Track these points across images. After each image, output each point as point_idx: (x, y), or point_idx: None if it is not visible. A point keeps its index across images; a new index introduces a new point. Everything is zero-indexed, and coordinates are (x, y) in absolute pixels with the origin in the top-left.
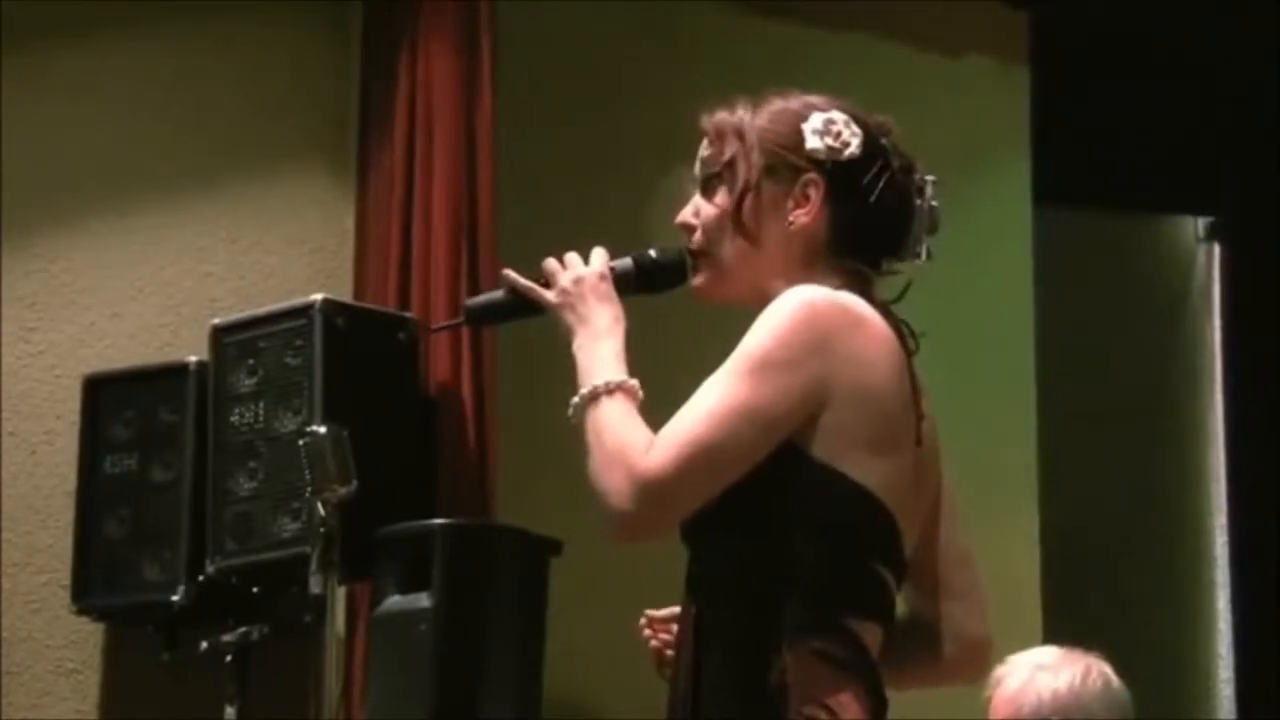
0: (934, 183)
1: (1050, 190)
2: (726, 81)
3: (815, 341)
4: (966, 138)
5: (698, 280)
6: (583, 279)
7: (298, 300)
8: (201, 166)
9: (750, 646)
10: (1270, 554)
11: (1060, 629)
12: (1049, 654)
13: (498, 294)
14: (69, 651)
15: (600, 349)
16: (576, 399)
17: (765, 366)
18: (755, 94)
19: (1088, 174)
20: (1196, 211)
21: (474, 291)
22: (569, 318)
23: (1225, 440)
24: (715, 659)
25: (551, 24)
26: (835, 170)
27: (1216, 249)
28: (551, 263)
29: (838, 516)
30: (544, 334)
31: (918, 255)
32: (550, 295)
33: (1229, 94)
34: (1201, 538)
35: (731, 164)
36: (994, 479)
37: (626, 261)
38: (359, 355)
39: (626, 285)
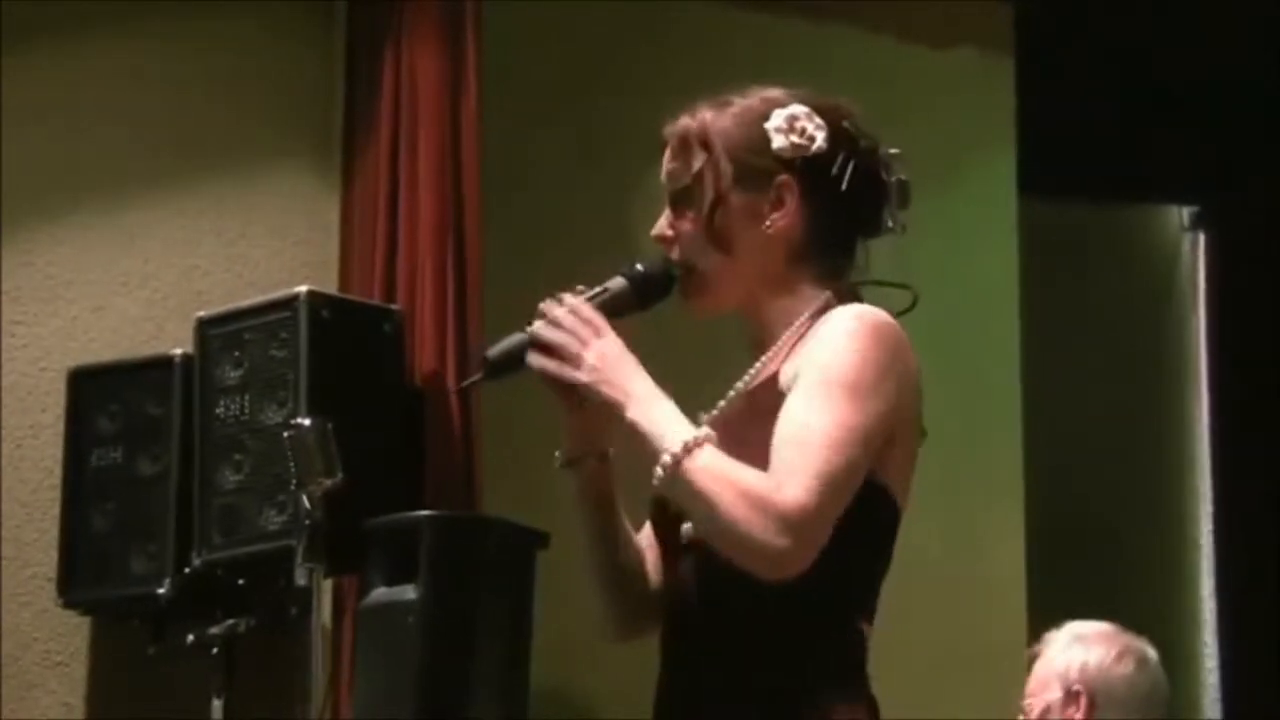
0: (898, 155)
1: (1035, 181)
2: (712, 76)
3: (889, 363)
4: (952, 130)
5: (691, 300)
6: (605, 353)
7: (283, 293)
8: (186, 160)
9: (768, 648)
10: (1255, 542)
11: (1045, 618)
12: (1095, 628)
13: (519, 337)
14: (56, 645)
15: (659, 412)
16: (662, 467)
17: (859, 389)
18: (742, 89)
19: (1073, 165)
20: (1181, 201)
21: (460, 284)
22: (607, 394)
23: (1210, 428)
24: (725, 660)
25: (536, 19)
26: (805, 167)
27: (1201, 238)
28: (566, 340)
29: (876, 529)
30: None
31: (891, 230)
32: (581, 376)
33: (1213, 84)
34: (1187, 525)
35: (700, 176)
36: (980, 469)
37: (619, 281)
38: (344, 347)
39: (625, 305)
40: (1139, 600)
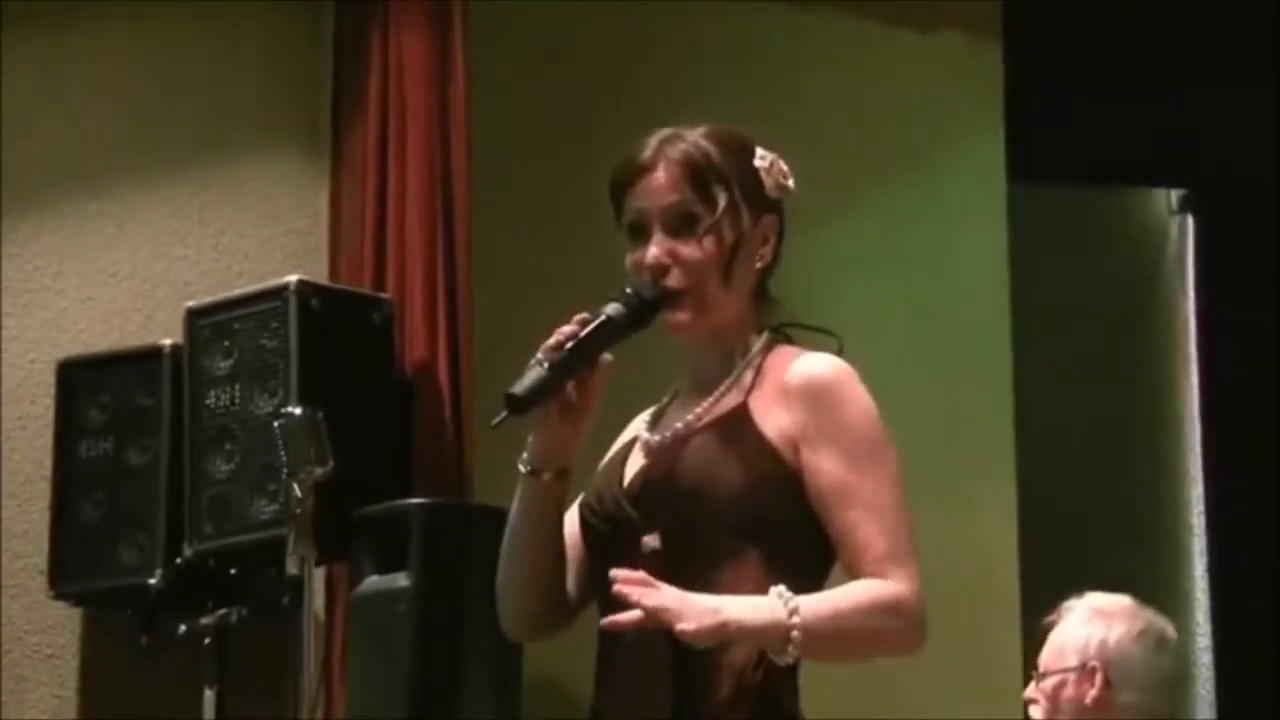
0: None
1: (1024, 165)
2: (700, 64)
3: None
4: (940, 114)
5: (682, 316)
6: (673, 594)
7: (272, 282)
8: (174, 149)
9: (699, 671)
10: (1246, 523)
11: (1037, 600)
12: (1117, 602)
13: (538, 373)
14: (47, 637)
15: (741, 605)
16: (794, 643)
17: (886, 446)
18: (728, 75)
19: (1061, 148)
20: (1169, 184)
21: (449, 273)
22: (708, 624)
23: (1200, 410)
24: (657, 684)
25: (524, 7)
26: (778, 208)
27: (1189, 221)
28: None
29: (825, 569)
30: (522, 313)
31: None
32: (687, 628)
33: (1201, 67)
34: (1178, 507)
35: (725, 213)
36: (971, 451)
37: (617, 307)
38: (334, 336)
39: (627, 328)
40: (1131, 582)
